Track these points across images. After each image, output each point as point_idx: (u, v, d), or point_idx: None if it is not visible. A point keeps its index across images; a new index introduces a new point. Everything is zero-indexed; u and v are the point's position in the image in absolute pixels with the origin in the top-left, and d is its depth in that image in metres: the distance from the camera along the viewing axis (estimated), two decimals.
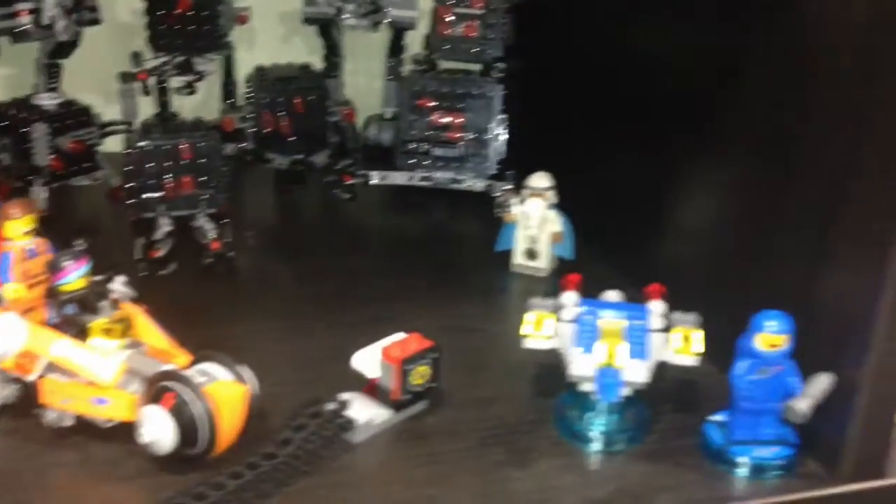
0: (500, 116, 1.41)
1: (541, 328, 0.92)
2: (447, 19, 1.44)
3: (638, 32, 1.19)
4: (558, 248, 1.22)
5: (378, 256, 1.31)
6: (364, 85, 1.57)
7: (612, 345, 0.88)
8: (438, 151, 1.42)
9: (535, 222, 1.20)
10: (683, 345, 0.90)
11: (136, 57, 1.34)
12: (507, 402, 0.96)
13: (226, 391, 0.84)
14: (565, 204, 1.22)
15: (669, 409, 0.95)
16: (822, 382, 0.85)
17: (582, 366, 0.88)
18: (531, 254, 1.21)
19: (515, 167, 1.39)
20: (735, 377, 0.86)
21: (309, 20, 1.47)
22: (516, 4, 1.44)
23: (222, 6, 1.37)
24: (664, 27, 1.14)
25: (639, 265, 1.11)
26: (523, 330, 0.92)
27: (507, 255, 1.23)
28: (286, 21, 1.59)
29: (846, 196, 0.85)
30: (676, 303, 0.94)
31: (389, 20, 1.45)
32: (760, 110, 0.97)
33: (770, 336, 0.84)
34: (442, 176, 1.41)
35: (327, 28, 1.49)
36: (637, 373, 0.88)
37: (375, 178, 1.41)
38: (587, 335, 0.90)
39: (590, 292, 0.95)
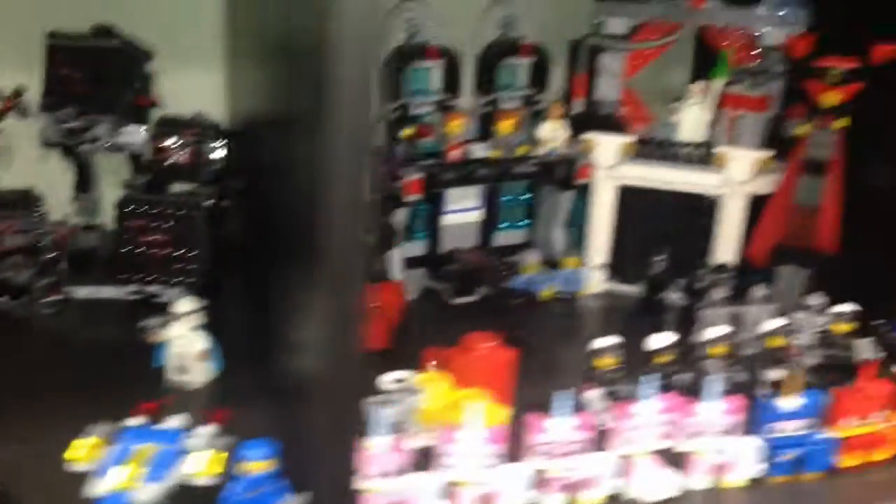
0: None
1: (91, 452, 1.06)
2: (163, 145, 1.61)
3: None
4: (207, 363, 1.37)
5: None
6: None
7: (134, 468, 1.03)
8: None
9: (181, 342, 1.35)
10: (206, 467, 1.05)
11: None
12: None
13: None
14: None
15: None
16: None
17: (97, 487, 1.02)
18: (182, 369, 1.36)
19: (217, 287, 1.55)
20: (227, 496, 1.01)
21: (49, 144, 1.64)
22: (230, 132, 1.61)
23: None
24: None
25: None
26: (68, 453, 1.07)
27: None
28: None
29: None
30: None
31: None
32: None
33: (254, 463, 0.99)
34: (152, 290, 1.57)
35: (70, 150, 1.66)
36: (147, 494, 1.02)
37: (82, 292, 1.56)
38: (119, 457, 1.04)
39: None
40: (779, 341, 1.38)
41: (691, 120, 1.69)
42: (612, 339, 1.31)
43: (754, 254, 1.67)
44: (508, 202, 1.84)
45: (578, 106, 1.78)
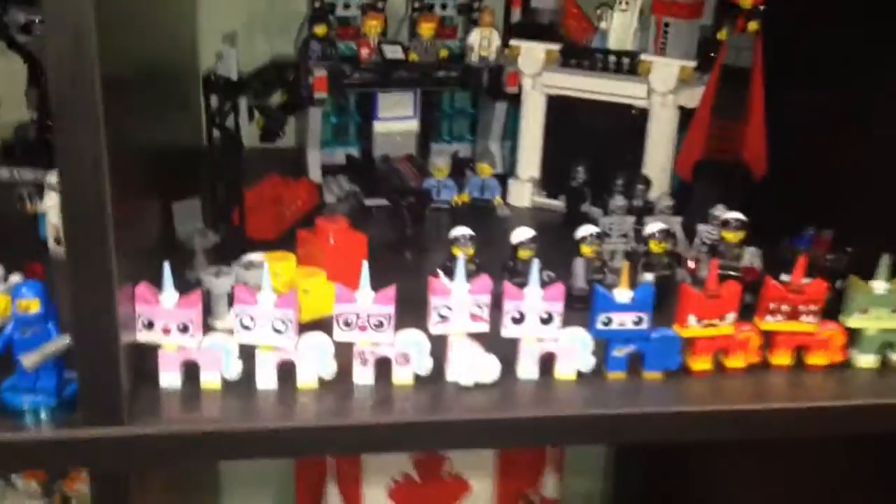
0: None
1: None
2: None
3: None
4: None
5: None
6: None
7: None
8: None
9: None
10: None
11: None
12: None
13: None
14: None
15: None
16: (57, 342, 1.01)
17: None
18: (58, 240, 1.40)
19: None
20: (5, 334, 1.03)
21: None
22: None
23: None
24: None
25: None
26: None
27: None
28: None
29: None
30: None
31: None
32: None
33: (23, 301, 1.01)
34: None
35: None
36: None
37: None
38: None
39: None
40: (657, 247, 1.31)
41: (620, 27, 1.62)
42: (466, 230, 1.28)
43: (679, 168, 1.59)
44: (447, 114, 1.81)
45: (517, 15, 1.73)
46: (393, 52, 1.62)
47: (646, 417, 1.14)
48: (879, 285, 1.19)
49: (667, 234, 1.32)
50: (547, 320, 1.15)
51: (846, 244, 1.34)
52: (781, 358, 1.21)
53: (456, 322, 1.13)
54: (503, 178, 1.72)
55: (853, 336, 1.22)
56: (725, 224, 1.33)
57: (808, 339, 1.20)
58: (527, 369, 1.16)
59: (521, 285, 1.15)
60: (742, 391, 1.18)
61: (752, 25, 1.42)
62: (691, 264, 1.39)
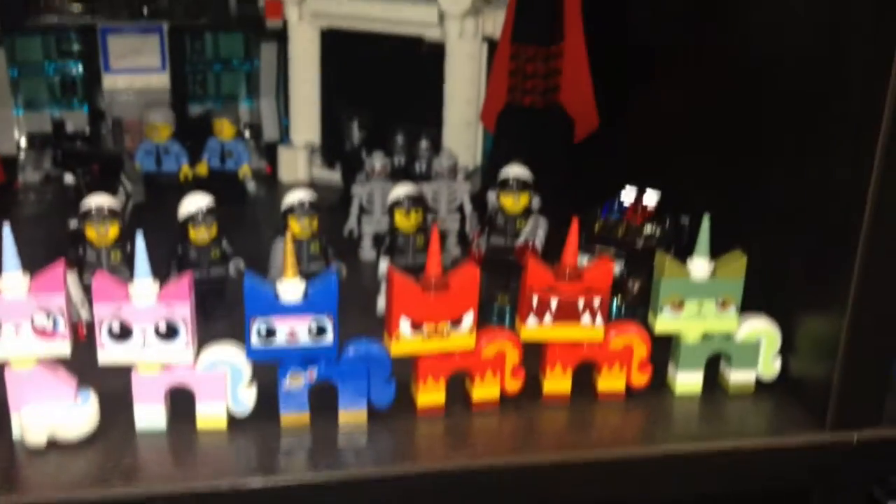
0: None
1: None
2: None
3: None
4: None
5: None
6: None
7: None
8: None
9: None
10: None
11: None
12: None
13: None
14: None
15: None
16: None
17: None
18: None
19: None
20: None
21: None
22: None
23: None
24: None
25: None
26: None
27: None
28: None
29: None
30: None
31: None
32: None
33: None
34: None
35: None
36: None
37: None
38: None
39: None
40: (405, 220, 0.90)
41: None
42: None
43: (484, 117, 1.17)
44: (208, 65, 1.39)
45: None
46: None
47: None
48: (699, 265, 0.77)
49: (416, 202, 0.91)
50: (168, 335, 0.72)
51: (684, 211, 0.92)
52: (556, 382, 0.79)
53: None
54: (273, 146, 1.30)
55: (668, 345, 0.80)
56: (504, 185, 0.92)
57: (594, 351, 0.78)
58: (146, 416, 0.74)
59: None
60: (490, 440, 0.75)
61: None
62: (473, 247, 0.98)
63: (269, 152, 1.31)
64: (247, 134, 1.35)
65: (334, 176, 1.25)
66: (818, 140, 0.79)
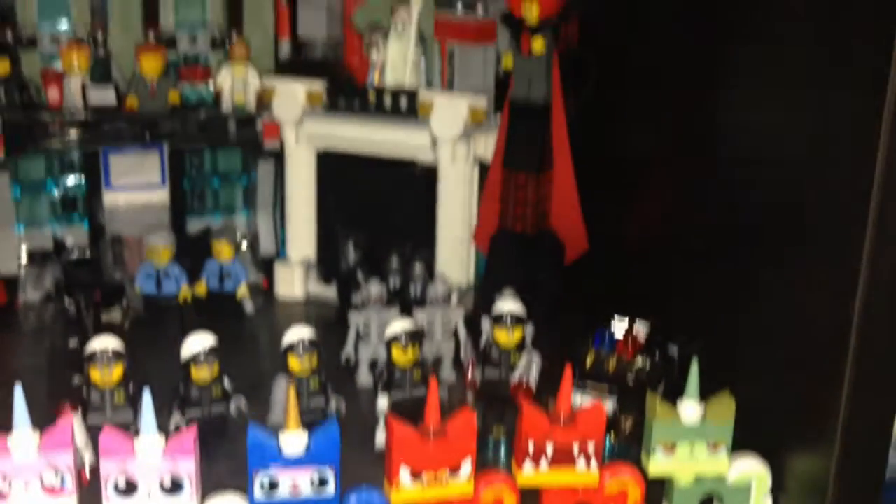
0: None
1: None
2: None
3: None
4: None
5: None
6: None
7: None
8: None
9: None
10: None
11: None
12: None
13: None
14: None
15: None
16: None
17: None
18: None
19: None
20: None
21: None
22: None
23: None
24: None
25: None
26: None
27: None
28: None
29: None
30: None
31: None
32: None
33: None
34: None
35: None
36: None
37: None
38: None
39: None
40: (403, 356, 0.92)
41: (397, 57, 1.24)
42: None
43: (477, 239, 1.20)
44: (207, 180, 1.42)
45: (287, 50, 1.35)
46: (101, 95, 1.23)
47: None
48: (690, 408, 0.79)
49: (413, 337, 0.93)
50: (173, 489, 0.74)
51: (673, 338, 0.95)
52: None
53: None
54: (270, 261, 1.33)
55: (661, 483, 0.82)
56: (498, 321, 0.94)
57: (590, 495, 0.80)
58: None
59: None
60: None
61: (538, 45, 1.04)
62: (469, 376, 1.00)
63: (266, 266, 1.34)
64: (244, 246, 1.38)
65: (330, 291, 1.27)
66: (803, 274, 0.82)
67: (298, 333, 0.92)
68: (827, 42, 0.79)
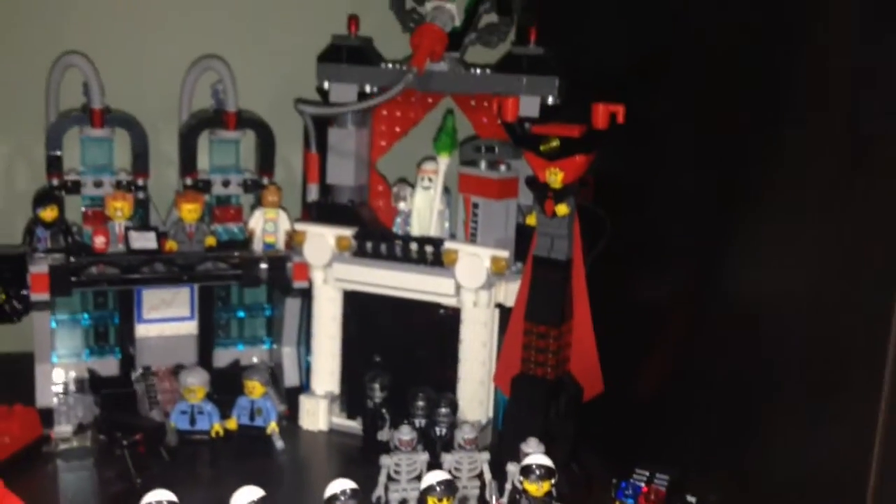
0: None
1: None
2: None
3: None
4: None
5: None
6: None
7: None
8: None
9: None
10: None
11: None
12: None
13: None
14: None
15: None
16: None
17: None
18: None
19: None
20: None
21: None
22: None
23: None
24: None
25: None
26: None
27: None
28: None
29: None
30: None
31: None
32: None
33: None
34: None
35: None
36: None
37: None
38: None
39: None
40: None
41: (423, 208, 1.33)
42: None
43: (498, 381, 1.27)
44: (235, 312, 1.48)
45: (315, 193, 1.43)
46: (143, 239, 1.30)
47: None
48: None
49: (448, 488, 0.99)
50: None
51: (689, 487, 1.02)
52: None
53: None
54: (296, 393, 1.39)
55: None
56: (526, 472, 1.00)
57: None
58: None
59: None
60: None
61: (562, 209, 1.13)
62: None
63: (290, 395, 1.40)
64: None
65: (353, 423, 1.33)
66: (822, 427, 0.89)
67: (340, 486, 0.97)
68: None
